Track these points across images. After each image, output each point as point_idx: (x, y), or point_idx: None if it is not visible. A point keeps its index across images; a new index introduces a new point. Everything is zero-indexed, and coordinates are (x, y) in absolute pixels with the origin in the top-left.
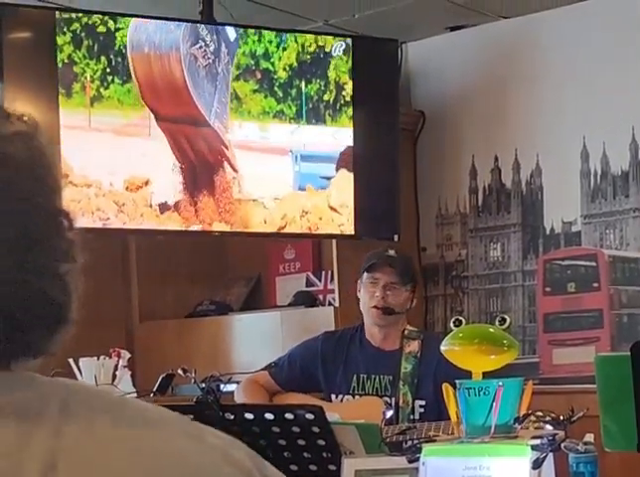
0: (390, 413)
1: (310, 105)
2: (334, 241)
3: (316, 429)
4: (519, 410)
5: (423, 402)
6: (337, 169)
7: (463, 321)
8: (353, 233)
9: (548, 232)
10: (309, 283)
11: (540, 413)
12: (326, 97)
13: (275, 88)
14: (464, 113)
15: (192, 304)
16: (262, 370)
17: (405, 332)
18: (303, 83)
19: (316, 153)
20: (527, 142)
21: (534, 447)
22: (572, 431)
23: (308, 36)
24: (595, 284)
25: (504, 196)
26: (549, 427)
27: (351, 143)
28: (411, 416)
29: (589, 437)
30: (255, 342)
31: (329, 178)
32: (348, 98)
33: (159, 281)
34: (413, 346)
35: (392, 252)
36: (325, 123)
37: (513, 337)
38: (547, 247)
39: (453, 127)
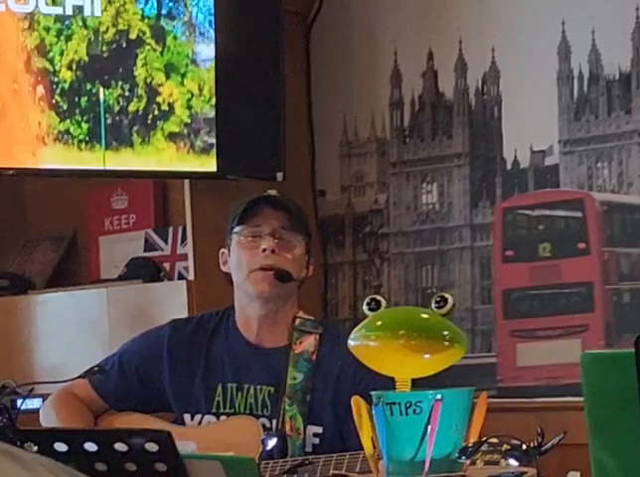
0: (272, 442)
1: None
2: (186, 183)
3: (162, 467)
4: (467, 437)
5: (319, 429)
6: None
7: (382, 302)
8: (214, 170)
9: (509, 166)
10: (149, 246)
11: (495, 440)
12: None
13: None
14: None
15: None
16: (80, 377)
17: (296, 322)
18: None
19: None
20: (477, 30)
21: None
22: (548, 467)
23: None
24: (582, 245)
25: (442, 112)
26: (512, 462)
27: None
28: (303, 451)
29: None
30: (69, 335)
31: None
32: None
33: None
34: (307, 343)
35: (273, 192)
36: None
37: (458, 326)
38: (507, 190)
39: (366, 8)
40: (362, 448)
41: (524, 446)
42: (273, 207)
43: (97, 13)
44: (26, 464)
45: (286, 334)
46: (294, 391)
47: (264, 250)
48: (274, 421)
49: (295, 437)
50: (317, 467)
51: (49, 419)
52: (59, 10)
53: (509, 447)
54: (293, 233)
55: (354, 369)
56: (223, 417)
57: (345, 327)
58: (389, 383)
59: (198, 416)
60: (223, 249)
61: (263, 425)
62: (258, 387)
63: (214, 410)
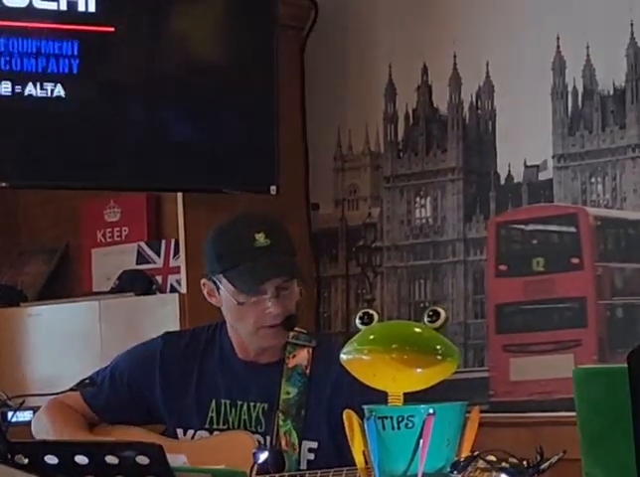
0: (264, 456)
1: None
2: (179, 196)
3: None
4: (459, 451)
5: (315, 445)
6: None
7: (375, 316)
8: (208, 183)
9: (503, 180)
10: (142, 259)
11: (492, 457)
12: None
13: None
14: (377, 0)
15: None
16: (72, 390)
17: (290, 335)
18: None
19: None
20: (471, 44)
21: None
22: None
23: None
24: (575, 260)
25: (436, 127)
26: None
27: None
28: (299, 465)
29: None
30: (61, 347)
31: None
32: None
33: None
34: (300, 357)
35: (260, 239)
36: None
37: (450, 340)
38: (501, 205)
39: (360, 22)
40: (354, 463)
41: (524, 464)
42: (272, 263)
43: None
44: None
45: (278, 349)
46: (288, 405)
47: (269, 312)
48: (268, 438)
49: (291, 453)
50: None
51: (42, 429)
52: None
53: (508, 465)
54: (292, 281)
55: (348, 383)
56: (216, 433)
57: (338, 343)
58: (382, 397)
59: (190, 432)
60: (204, 280)
61: (258, 442)
62: (252, 403)
63: (207, 426)
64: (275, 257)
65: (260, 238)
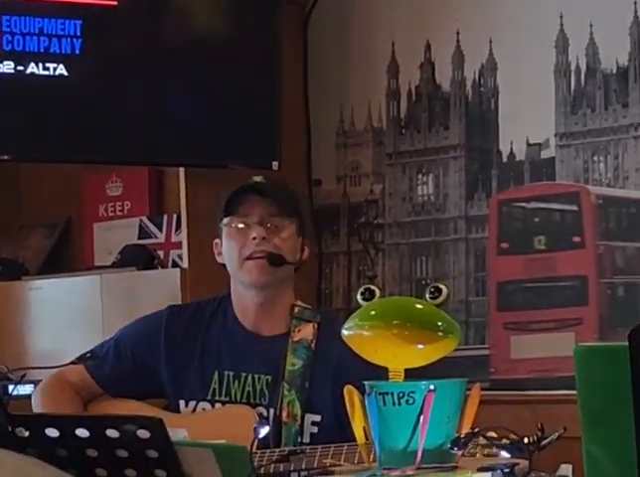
0: (265, 431)
1: None
2: (182, 171)
3: (153, 454)
4: (459, 428)
5: (318, 418)
6: None
7: (377, 292)
8: (210, 158)
9: (505, 158)
10: (144, 233)
11: (492, 434)
12: None
13: None
14: None
15: None
16: (75, 362)
17: (296, 310)
18: None
19: None
20: (474, 22)
21: None
22: (540, 460)
23: None
24: (577, 239)
25: (439, 104)
26: (504, 454)
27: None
28: (300, 438)
29: (566, 470)
30: (62, 321)
31: None
32: None
33: None
34: (306, 331)
35: (258, 178)
36: None
37: (452, 317)
38: (503, 183)
39: None
40: (355, 439)
41: (524, 441)
42: (260, 194)
43: None
44: None
45: (283, 322)
46: (293, 377)
47: (254, 239)
48: (272, 410)
49: (291, 424)
50: (315, 457)
51: (41, 404)
52: None
53: (508, 442)
54: (281, 218)
55: (351, 359)
56: (218, 405)
57: (340, 317)
58: (382, 373)
59: (192, 403)
60: (216, 240)
61: (260, 414)
62: (256, 375)
63: (209, 398)
64: (265, 187)
65: (258, 178)
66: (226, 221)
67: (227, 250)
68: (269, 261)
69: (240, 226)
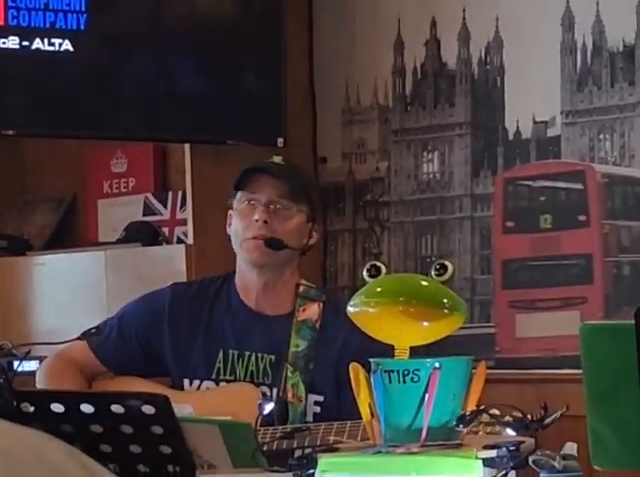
0: (270, 407)
1: None
2: (187, 148)
3: (158, 430)
4: (465, 406)
5: (321, 398)
6: None
7: (382, 269)
8: (216, 135)
9: (510, 136)
10: (149, 210)
11: (496, 412)
12: None
13: None
14: None
15: None
16: (79, 339)
17: (300, 289)
18: None
19: None
20: None
21: (487, 462)
22: (546, 439)
23: None
24: (582, 217)
25: (445, 81)
26: (509, 432)
27: None
28: (304, 419)
29: (571, 448)
30: (67, 297)
31: None
32: None
33: None
34: (311, 311)
35: (277, 159)
36: None
37: (457, 294)
38: (509, 160)
39: None
40: (359, 416)
41: (528, 419)
42: (274, 174)
43: None
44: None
45: (287, 302)
46: (297, 358)
47: (257, 221)
48: (275, 389)
49: (297, 404)
50: (318, 434)
51: (45, 381)
52: None
53: (511, 420)
54: (291, 201)
55: (358, 339)
56: (222, 384)
57: (345, 296)
58: (387, 350)
59: (196, 382)
60: (230, 211)
61: (264, 393)
62: (260, 354)
63: (213, 376)
64: (282, 169)
65: (277, 158)
66: (236, 195)
67: (233, 227)
68: (268, 245)
69: (248, 202)
